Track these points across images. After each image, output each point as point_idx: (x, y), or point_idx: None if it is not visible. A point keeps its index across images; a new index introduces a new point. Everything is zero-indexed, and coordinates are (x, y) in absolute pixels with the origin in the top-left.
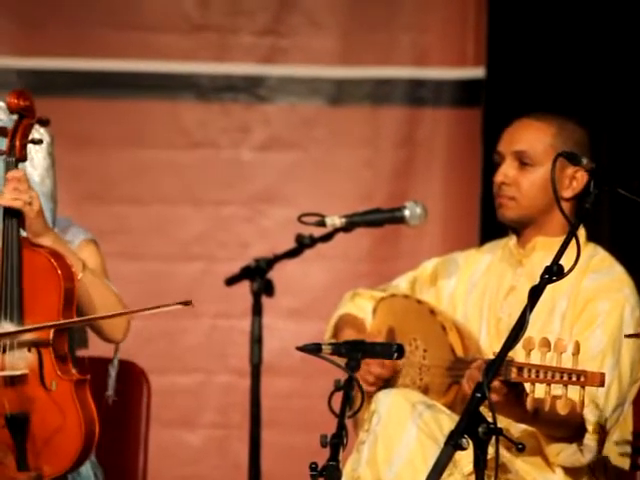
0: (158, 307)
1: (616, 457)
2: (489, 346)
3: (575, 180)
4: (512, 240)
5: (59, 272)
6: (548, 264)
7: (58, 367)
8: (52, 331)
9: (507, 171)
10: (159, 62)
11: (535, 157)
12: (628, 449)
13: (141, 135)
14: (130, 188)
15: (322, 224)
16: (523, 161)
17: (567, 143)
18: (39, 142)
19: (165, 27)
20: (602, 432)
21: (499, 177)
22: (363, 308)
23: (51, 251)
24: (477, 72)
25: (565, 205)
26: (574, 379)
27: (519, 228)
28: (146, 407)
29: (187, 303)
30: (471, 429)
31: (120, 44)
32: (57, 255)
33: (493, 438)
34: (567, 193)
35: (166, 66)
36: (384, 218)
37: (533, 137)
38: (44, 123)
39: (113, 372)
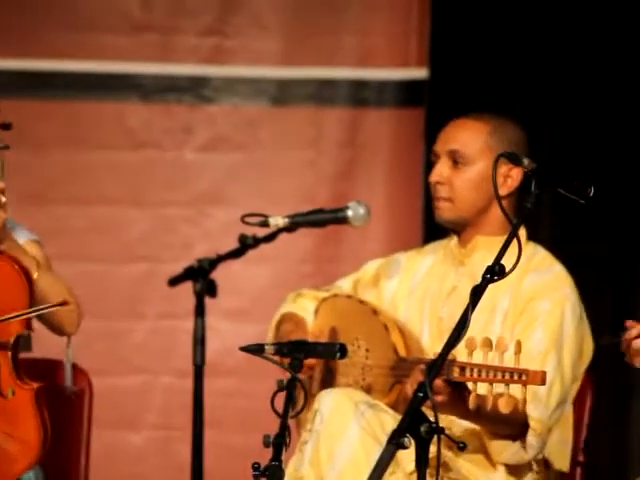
0: (38, 309)
1: (557, 456)
2: (431, 346)
3: (510, 178)
4: (453, 240)
5: (23, 278)
6: (489, 263)
7: (16, 374)
8: (14, 335)
9: (441, 170)
10: (102, 62)
11: (469, 156)
12: (569, 448)
13: (84, 135)
14: (73, 189)
15: (265, 224)
16: (457, 160)
17: (502, 142)
18: (6, 148)
19: (108, 27)
20: (545, 429)
21: (433, 177)
22: (305, 308)
23: (10, 256)
24: (420, 73)
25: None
26: (516, 378)
27: (458, 229)
28: (88, 408)
29: (63, 304)
30: (413, 428)
31: (63, 44)
32: (16, 259)
33: (435, 437)
34: (502, 191)
35: (109, 66)
36: (327, 218)
37: (467, 136)
38: (6, 127)
39: (69, 365)
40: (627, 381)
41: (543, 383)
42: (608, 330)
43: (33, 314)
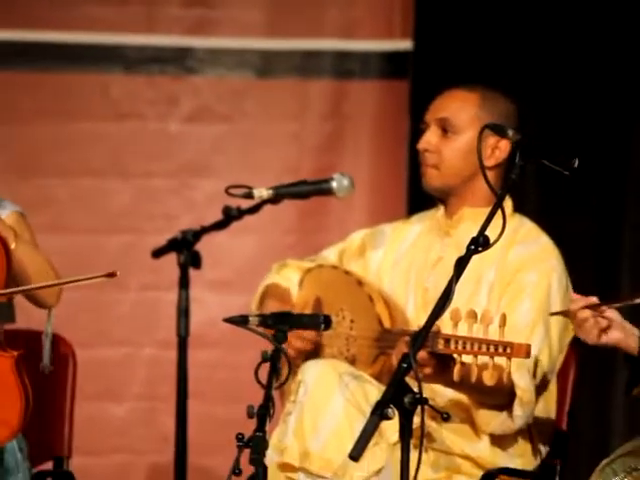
0: (83, 279)
1: (539, 429)
2: (416, 317)
3: (498, 149)
4: (440, 211)
5: (2, 248)
6: (474, 235)
7: None
8: None
9: (430, 138)
10: (86, 34)
11: (458, 125)
12: (552, 419)
13: (68, 107)
14: (56, 160)
15: (249, 196)
16: (446, 129)
17: (492, 113)
18: None
19: None
20: (532, 398)
21: (422, 144)
22: (290, 278)
23: None
24: (404, 44)
25: (489, 174)
26: (500, 351)
27: (445, 198)
28: (72, 380)
29: (112, 275)
30: (397, 399)
31: (46, 15)
32: None
33: (419, 408)
34: (490, 162)
35: (93, 37)
36: (311, 190)
37: (457, 106)
38: None
39: (47, 342)
40: (610, 353)
41: (528, 356)
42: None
43: (72, 284)
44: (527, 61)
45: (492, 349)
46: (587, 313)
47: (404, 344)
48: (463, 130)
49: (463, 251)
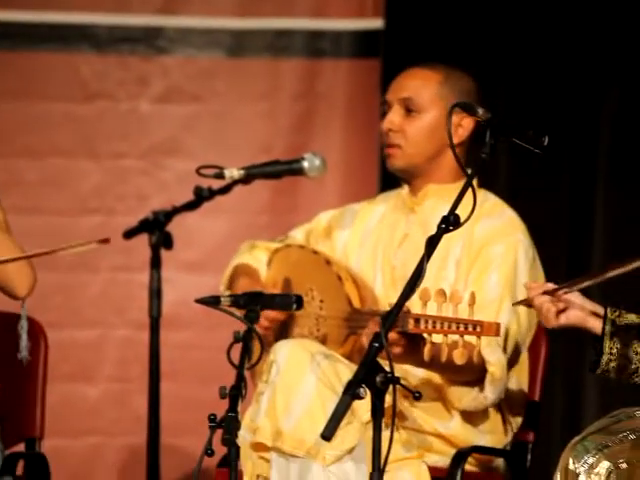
0: (75, 245)
1: (511, 406)
2: (385, 295)
3: (461, 127)
4: (404, 189)
5: None
6: (443, 213)
7: None
8: None
9: (393, 118)
10: (55, 13)
11: (421, 104)
12: (524, 395)
13: (37, 87)
14: (26, 141)
15: (221, 176)
16: (409, 108)
17: (453, 91)
18: None
19: None
20: (503, 373)
21: (385, 124)
22: (258, 259)
23: None
24: (375, 23)
25: (451, 152)
26: (470, 329)
27: (409, 177)
28: (43, 361)
29: (105, 241)
30: (369, 379)
31: None
32: None
33: (391, 387)
34: (454, 140)
35: (63, 17)
36: (283, 170)
37: (419, 85)
38: None
39: (23, 333)
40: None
41: (497, 334)
42: (564, 280)
43: (59, 252)
44: (497, 39)
45: (462, 328)
46: (544, 298)
47: (374, 323)
48: (426, 109)
49: (429, 227)
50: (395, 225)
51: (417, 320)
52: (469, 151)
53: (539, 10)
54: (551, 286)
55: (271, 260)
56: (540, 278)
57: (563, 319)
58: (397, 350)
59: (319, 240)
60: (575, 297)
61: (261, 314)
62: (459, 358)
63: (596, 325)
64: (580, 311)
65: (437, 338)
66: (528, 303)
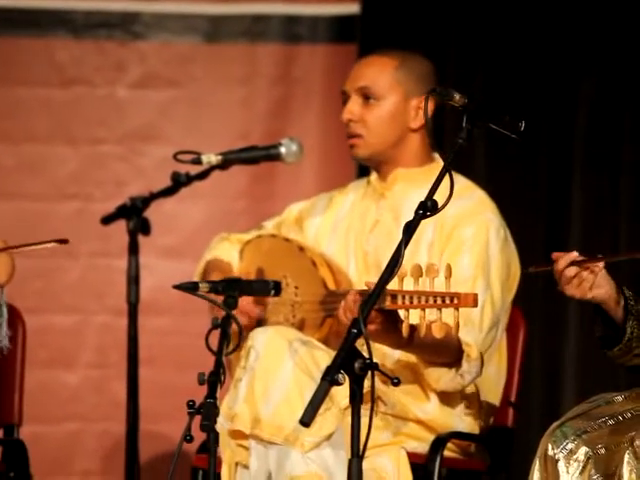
0: (33, 244)
1: (489, 388)
2: (359, 281)
3: (421, 110)
4: (373, 175)
5: None
6: (414, 197)
7: None
8: None
9: (352, 108)
10: None
11: (378, 92)
12: (502, 380)
13: (13, 72)
14: (2, 126)
15: (198, 162)
16: (367, 96)
17: (410, 76)
18: None
19: None
20: (479, 353)
21: (345, 115)
22: (230, 251)
23: None
24: (352, 8)
25: (414, 136)
26: (448, 302)
27: (376, 165)
28: (21, 347)
29: (63, 241)
30: (347, 365)
31: None
32: None
33: (369, 373)
34: (414, 124)
35: (39, 2)
36: (260, 155)
37: (375, 72)
38: None
39: (3, 321)
40: (559, 313)
41: (475, 305)
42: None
43: (25, 249)
44: (474, 24)
45: (439, 301)
46: (575, 270)
47: (351, 300)
48: (384, 96)
49: (399, 212)
50: (366, 211)
51: (394, 296)
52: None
53: None
54: (576, 255)
55: (243, 251)
56: (513, 257)
57: (595, 292)
58: (374, 327)
59: (290, 230)
60: (601, 269)
61: (242, 311)
62: (437, 331)
63: (616, 298)
64: (607, 283)
65: (415, 315)
66: (548, 271)
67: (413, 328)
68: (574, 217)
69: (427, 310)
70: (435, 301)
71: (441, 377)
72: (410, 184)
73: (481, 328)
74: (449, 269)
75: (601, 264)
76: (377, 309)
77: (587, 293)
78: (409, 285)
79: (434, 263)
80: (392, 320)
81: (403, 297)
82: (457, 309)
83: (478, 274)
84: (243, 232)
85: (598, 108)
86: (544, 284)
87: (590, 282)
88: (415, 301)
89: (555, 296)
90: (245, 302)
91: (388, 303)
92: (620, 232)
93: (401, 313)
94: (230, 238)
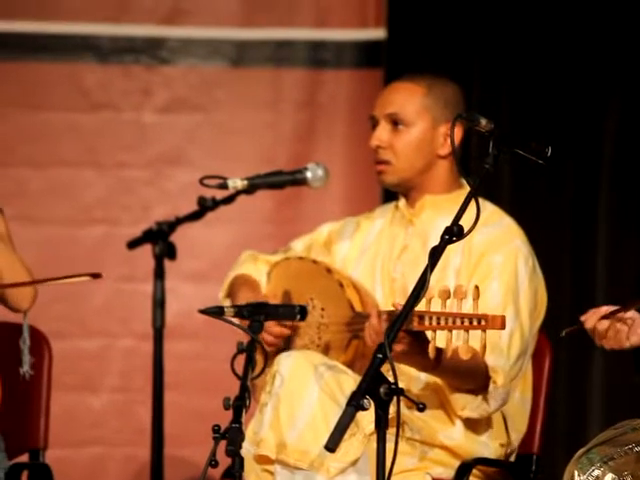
0: (65, 278)
1: (515, 416)
2: (385, 306)
3: (449, 137)
4: (401, 201)
5: None
6: (441, 224)
7: None
8: None
9: (381, 134)
10: (59, 23)
11: (407, 118)
12: (527, 408)
13: (40, 97)
14: (30, 151)
15: (224, 186)
16: (396, 123)
17: (439, 102)
18: None
19: None
20: (506, 381)
21: (374, 141)
22: (260, 271)
23: None
24: (378, 33)
25: (442, 162)
26: (475, 323)
27: (404, 191)
28: (47, 371)
29: (96, 275)
30: (372, 390)
31: (19, 5)
32: None
33: (395, 398)
34: (443, 151)
35: (66, 27)
36: (286, 180)
37: (403, 98)
38: None
39: (25, 347)
40: (585, 340)
41: (503, 327)
42: (568, 294)
43: (59, 282)
44: (500, 49)
45: (467, 322)
46: (607, 323)
47: (375, 319)
48: (412, 122)
49: (427, 239)
50: (394, 238)
51: (421, 317)
52: (466, 161)
53: (542, 21)
54: (605, 309)
55: (271, 273)
56: (541, 285)
57: (628, 343)
58: (400, 348)
59: (319, 253)
60: (634, 314)
61: (266, 330)
62: (464, 353)
63: None
64: None
65: (442, 338)
66: (580, 330)
67: (440, 351)
68: (600, 245)
69: (454, 332)
70: (463, 323)
71: (467, 404)
72: (438, 211)
73: (509, 356)
74: (477, 291)
75: (630, 313)
76: (404, 330)
77: (625, 342)
78: (437, 307)
79: (462, 285)
80: (419, 341)
81: (430, 318)
82: (484, 331)
83: (507, 302)
84: (271, 254)
85: (624, 135)
86: (570, 310)
87: (625, 331)
88: (443, 322)
89: (580, 322)
90: (271, 323)
91: (415, 324)
92: None
93: (428, 335)
94: (260, 258)
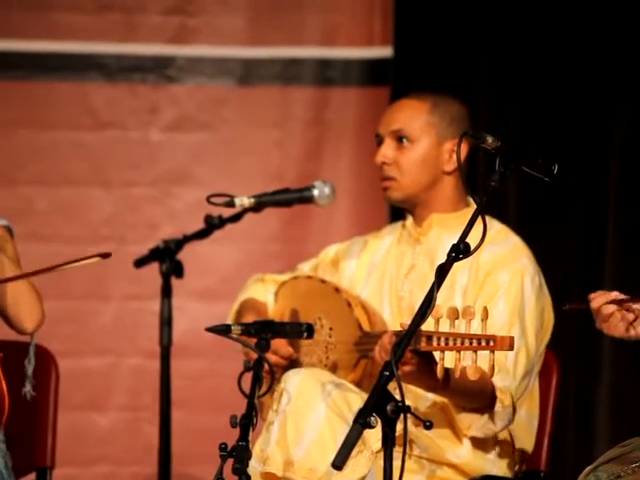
0: (76, 261)
1: (522, 434)
2: (393, 325)
3: (454, 153)
4: (409, 220)
5: None
6: (448, 242)
7: None
8: None
9: (386, 151)
10: (66, 42)
11: (412, 135)
12: (534, 426)
13: (48, 116)
14: (37, 169)
15: (231, 205)
16: (401, 139)
17: (443, 118)
18: None
19: (71, 7)
20: (512, 400)
21: (379, 158)
22: (266, 292)
23: None
24: (385, 51)
25: (448, 179)
26: (483, 344)
27: (410, 208)
28: (54, 390)
29: (106, 255)
30: (379, 407)
31: (26, 24)
32: None
33: (402, 416)
34: (448, 167)
35: (73, 46)
36: (293, 198)
37: (408, 115)
38: None
39: (30, 368)
40: (592, 357)
41: (511, 348)
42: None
43: (65, 267)
44: (507, 67)
45: (475, 343)
46: (612, 308)
47: (386, 338)
48: (417, 139)
49: (435, 257)
50: (402, 256)
51: (429, 337)
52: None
53: (548, 37)
54: (615, 295)
55: (278, 293)
56: (547, 304)
57: (633, 332)
58: (409, 368)
59: (327, 272)
60: None
61: (273, 349)
62: (472, 374)
63: None
64: None
65: (450, 358)
66: (585, 309)
67: (448, 371)
68: (607, 263)
69: (462, 353)
70: (471, 343)
71: (473, 423)
72: (446, 229)
73: (515, 375)
74: (486, 312)
75: (638, 305)
76: (412, 350)
77: (629, 331)
78: (445, 327)
79: (470, 305)
80: (427, 362)
81: (439, 339)
82: (493, 352)
83: (514, 321)
84: (278, 273)
85: (631, 151)
86: (578, 327)
87: (629, 320)
88: (451, 343)
89: (588, 339)
90: (279, 343)
91: (423, 344)
92: None
93: (436, 355)
94: (265, 279)
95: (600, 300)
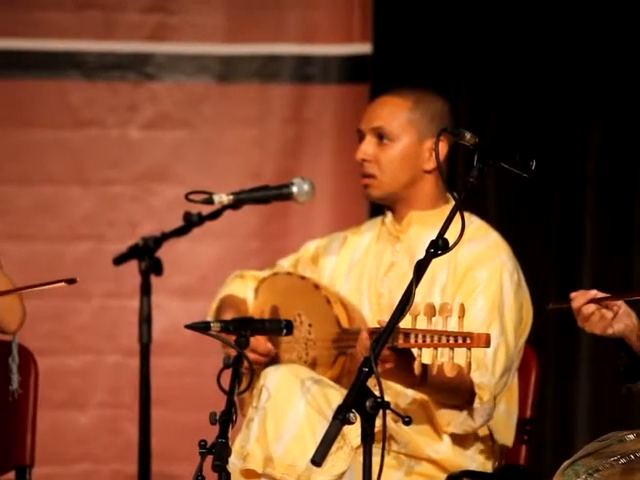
0: (41, 285)
1: (501, 429)
2: (372, 323)
3: (434, 151)
4: (388, 217)
5: None
6: (428, 240)
7: None
8: None
9: (366, 148)
10: (45, 40)
11: (392, 132)
12: (514, 421)
13: (27, 114)
14: (16, 168)
15: (210, 202)
16: (381, 137)
17: (424, 117)
18: None
19: (51, 5)
20: (491, 396)
21: (359, 154)
22: (245, 289)
23: None
24: (364, 48)
25: (428, 177)
26: (460, 341)
27: (390, 205)
28: (34, 388)
29: (71, 281)
30: (359, 403)
31: (5, 22)
32: None
33: (381, 411)
34: (429, 165)
35: (52, 44)
36: (272, 195)
37: (389, 112)
38: None
39: (14, 366)
40: (571, 352)
41: (488, 345)
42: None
43: (33, 289)
44: (485, 63)
45: (452, 340)
46: (592, 307)
47: (365, 335)
48: (398, 137)
49: (414, 255)
50: (381, 254)
51: (407, 335)
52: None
53: (527, 35)
54: (594, 293)
55: (258, 289)
56: (526, 301)
57: (610, 330)
58: (387, 366)
59: (307, 268)
60: (622, 304)
61: (252, 347)
62: (450, 371)
63: (634, 338)
64: (627, 319)
65: (427, 355)
66: (566, 308)
67: (425, 367)
68: (586, 258)
69: (439, 350)
70: (448, 340)
71: (452, 420)
72: (425, 227)
73: (494, 372)
74: (462, 309)
75: (620, 302)
76: (390, 347)
77: (607, 329)
78: (422, 324)
79: (448, 302)
80: (405, 358)
81: (416, 336)
82: (469, 349)
83: (493, 318)
84: (258, 270)
85: (609, 147)
86: (557, 323)
87: (609, 318)
88: (428, 340)
89: (567, 335)
90: (258, 340)
91: (401, 341)
92: (632, 271)
93: (414, 352)
94: (245, 276)
95: (580, 300)
